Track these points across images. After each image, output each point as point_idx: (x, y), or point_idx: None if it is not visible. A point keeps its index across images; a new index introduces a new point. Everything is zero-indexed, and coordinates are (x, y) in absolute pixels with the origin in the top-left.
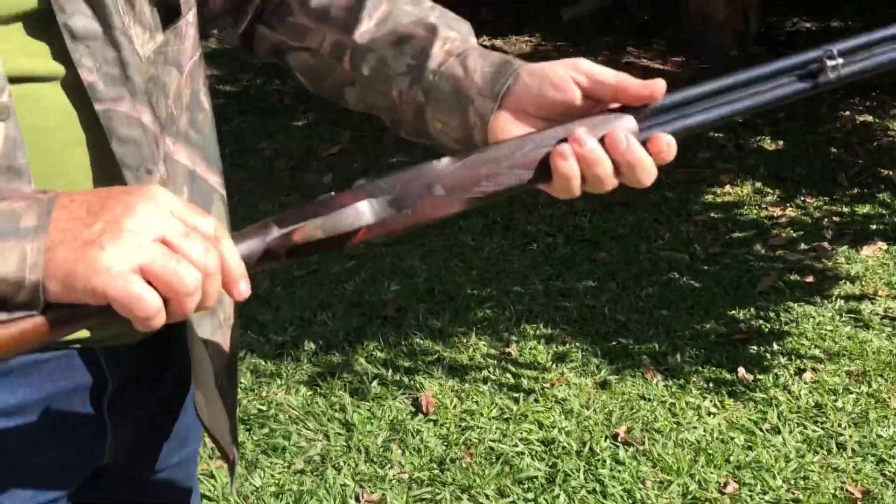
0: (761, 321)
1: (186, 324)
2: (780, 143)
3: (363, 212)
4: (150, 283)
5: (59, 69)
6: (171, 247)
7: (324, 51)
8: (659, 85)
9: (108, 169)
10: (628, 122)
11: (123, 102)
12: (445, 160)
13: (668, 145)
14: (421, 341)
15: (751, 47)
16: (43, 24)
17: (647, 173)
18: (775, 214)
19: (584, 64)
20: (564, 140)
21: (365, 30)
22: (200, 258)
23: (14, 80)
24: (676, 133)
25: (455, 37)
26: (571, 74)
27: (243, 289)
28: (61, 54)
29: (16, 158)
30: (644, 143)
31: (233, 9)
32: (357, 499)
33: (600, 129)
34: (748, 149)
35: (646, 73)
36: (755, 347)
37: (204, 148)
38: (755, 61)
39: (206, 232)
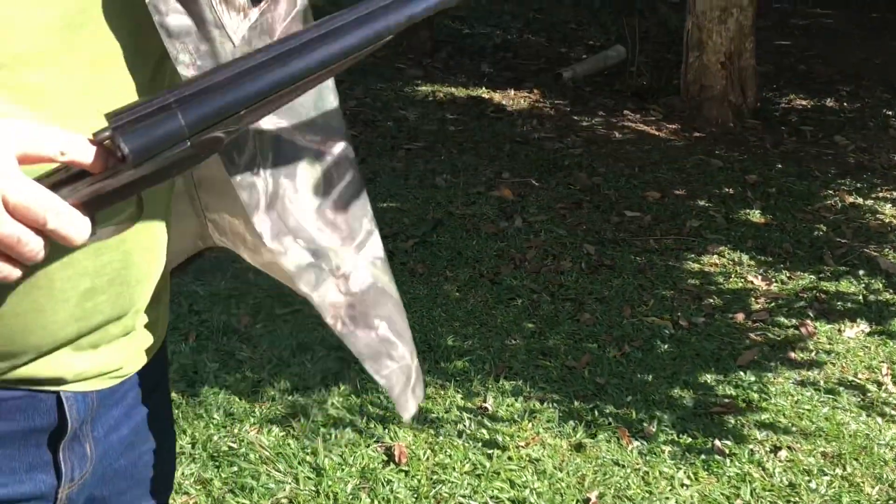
0: (740, 394)
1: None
2: (770, 217)
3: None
4: None
5: None
6: None
7: None
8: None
9: None
10: None
11: None
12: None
13: None
14: None
15: (747, 120)
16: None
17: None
18: (760, 288)
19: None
20: None
21: None
22: (30, 251)
23: None
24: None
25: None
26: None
27: (78, 239)
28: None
29: None
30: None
31: None
32: None
33: None
34: (737, 220)
35: (641, 138)
36: (732, 420)
37: (293, 109)
38: (751, 135)
39: (35, 215)
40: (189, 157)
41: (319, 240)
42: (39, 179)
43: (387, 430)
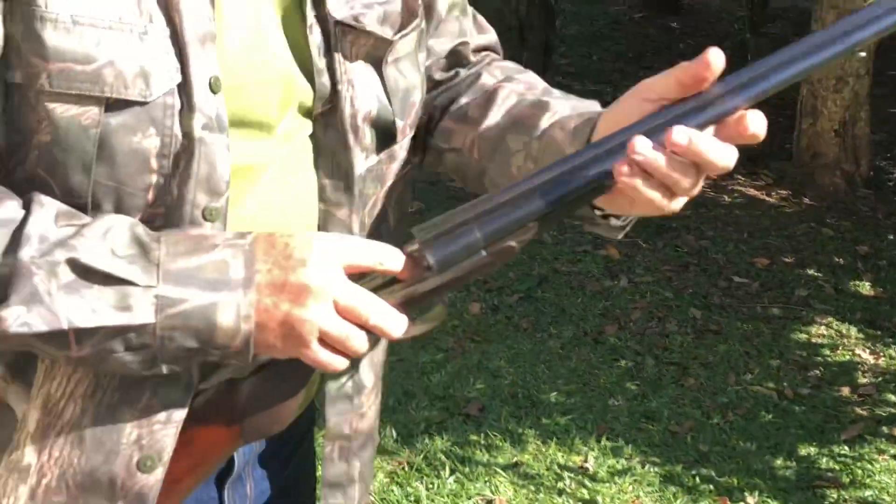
0: (842, 468)
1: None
2: (880, 289)
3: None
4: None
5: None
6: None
7: (465, 148)
8: (713, 54)
9: None
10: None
11: (342, 209)
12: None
13: (751, 121)
14: (500, 444)
15: (859, 189)
16: None
17: (721, 160)
18: (867, 362)
19: (644, 84)
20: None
21: (492, 121)
22: (355, 346)
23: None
24: (754, 95)
25: (562, 107)
26: (636, 101)
27: (396, 333)
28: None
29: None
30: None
31: (417, 149)
32: None
33: (659, 132)
34: (846, 291)
35: (751, 202)
36: (835, 494)
37: None
38: (864, 205)
39: (360, 314)
40: (486, 265)
41: None
42: (363, 284)
43: (487, 484)
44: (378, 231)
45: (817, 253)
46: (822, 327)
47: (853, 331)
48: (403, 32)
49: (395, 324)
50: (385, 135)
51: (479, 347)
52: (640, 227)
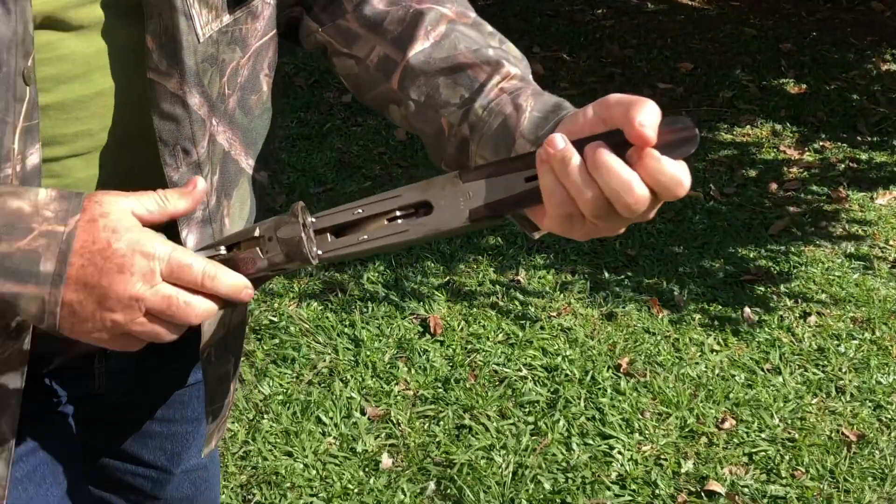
0: (770, 263)
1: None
2: (803, 86)
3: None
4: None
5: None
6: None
7: (370, 62)
8: (645, 114)
9: (146, 135)
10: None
11: (172, 80)
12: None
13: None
14: (431, 264)
15: None
16: None
17: (620, 185)
18: (792, 157)
19: (613, 98)
20: None
21: (420, 50)
22: (194, 316)
23: (42, 26)
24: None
25: (514, 73)
26: (601, 114)
27: (244, 298)
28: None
29: (33, 118)
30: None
31: (301, 29)
32: (362, 412)
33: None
34: (771, 90)
35: (673, 8)
36: (762, 288)
37: (248, 130)
38: (786, 3)
39: (195, 281)
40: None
41: None
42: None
43: (421, 304)
44: (246, 103)
45: (741, 53)
46: (747, 126)
47: (777, 127)
48: None
49: (199, 313)
50: None
51: (406, 173)
52: (563, 40)
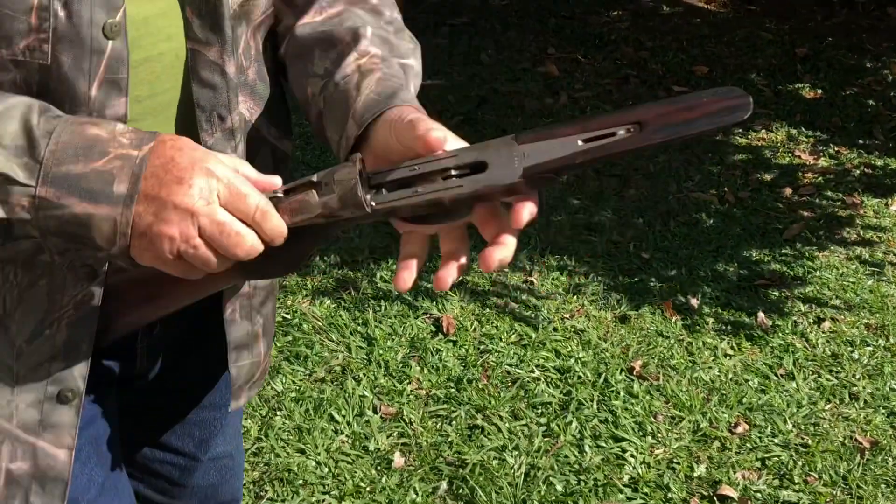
0: (784, 268)
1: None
2: (819, 91)
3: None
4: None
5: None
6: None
7: (280, 33)
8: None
9: (187, 104)
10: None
11: (212, 49)
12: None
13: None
14: None
15: None
16: None
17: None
18: (807, 162)
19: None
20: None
21: (306, 22)
22: (241, 249)
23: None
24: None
25: (375, 52)
26: (404, 142)
27: (277, 241)
28: None
29: (118, 72)
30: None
31: None
32: (375, 410)
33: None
34: (786, 94)
35: (689, 10)
36: (776, 293)
37: (266, 100)
38: (802, 7)
39: (248, 213)
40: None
41: None
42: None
43: (434, 303)
44: (263, 74)
45: (756, 57)
46: (762, 131)
47: (792, 132)
48: None
49: (246, 247)
50: None
51: None
52: (578, 42)
